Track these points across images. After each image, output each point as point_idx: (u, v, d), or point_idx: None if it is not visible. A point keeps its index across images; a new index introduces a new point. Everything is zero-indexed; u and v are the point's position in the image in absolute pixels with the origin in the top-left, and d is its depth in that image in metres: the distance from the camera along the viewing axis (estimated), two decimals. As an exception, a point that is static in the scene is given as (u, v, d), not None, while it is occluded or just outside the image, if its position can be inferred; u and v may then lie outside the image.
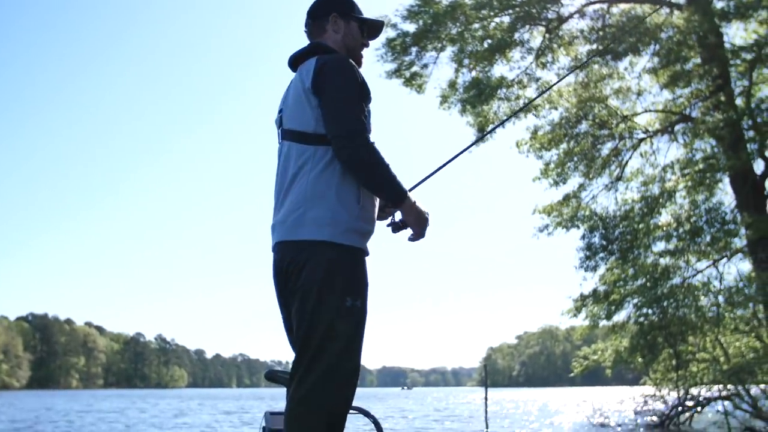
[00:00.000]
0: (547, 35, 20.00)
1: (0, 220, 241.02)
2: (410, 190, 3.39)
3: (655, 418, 19.32)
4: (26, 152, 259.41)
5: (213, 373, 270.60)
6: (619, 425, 19.50)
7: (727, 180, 19.81)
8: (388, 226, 3.37)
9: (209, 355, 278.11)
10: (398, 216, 3.35)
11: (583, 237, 20.65)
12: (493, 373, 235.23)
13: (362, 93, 3.06)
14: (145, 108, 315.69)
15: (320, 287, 2.88)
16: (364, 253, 3.04)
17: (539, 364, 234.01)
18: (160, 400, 52.84)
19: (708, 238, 18.89)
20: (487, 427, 17.87)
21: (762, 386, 18.05)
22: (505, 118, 20.02)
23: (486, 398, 18.59)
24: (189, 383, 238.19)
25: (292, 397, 2.87)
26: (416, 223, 3.08)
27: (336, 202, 2.94)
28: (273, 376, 4.40)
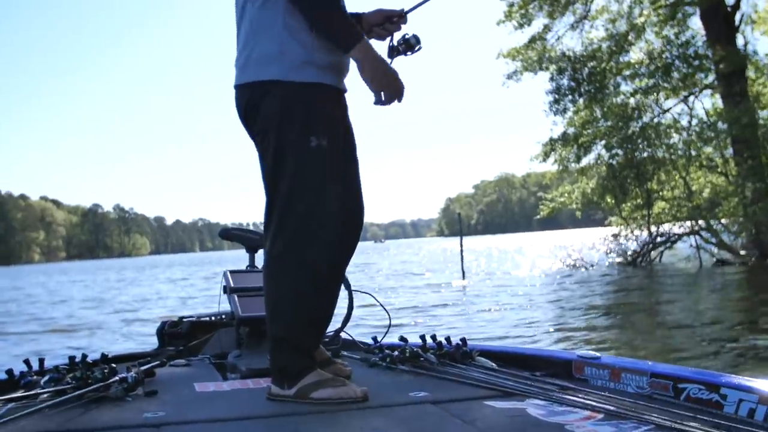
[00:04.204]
0: None
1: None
2: (409, 11, 2.81)
3: (626, 257, 19.64)
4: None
5: (174, 238, 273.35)
6: (592, 265, 19.78)
7: (697, 15, 19.37)
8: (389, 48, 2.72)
9: (169, 221, 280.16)
10: (398, 37, 2.73)
11: (552, 79, 20.25)
12: (452, 223, 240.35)
13: None
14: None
15: (277, 130, 2.45)
16: (330, 88, 2.51)
17: (497, 211, 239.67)
18: (109, 272, 52.78)
19: (680, 74, 18.60)
20: (463, 277, 17.93)
21: (724, 221, 18.39)
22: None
23: (462, 248, 18.60)
24: (152, 250, 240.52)
25: (268, 254, 2.50)
26: (374, 78, 2.42)
27: (283, 31, 2.44)
28: (227, 234, 4.18)
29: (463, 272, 18.26)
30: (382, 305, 3.89)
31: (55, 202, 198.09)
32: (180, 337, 3.80)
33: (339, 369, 2.73)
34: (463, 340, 2.99)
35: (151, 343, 4.04)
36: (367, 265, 29.63)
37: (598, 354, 2.68)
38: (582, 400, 2.23)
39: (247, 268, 4.04)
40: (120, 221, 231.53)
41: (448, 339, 3.04)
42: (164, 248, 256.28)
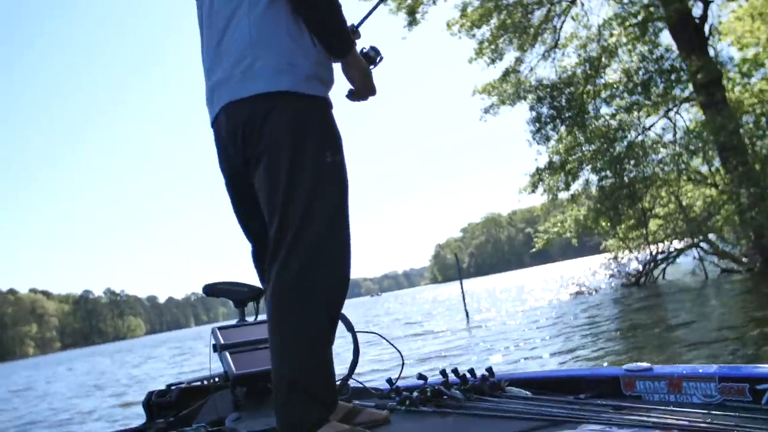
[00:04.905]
0: None
1: None
2: (359, 25, 2.74)
3: (629, 278, 19.32)
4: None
5: (169, 316, 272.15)
6: (597, 290, 19.45)
7: (666, 31, 19.48)
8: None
9: (162, 299, 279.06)
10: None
11: (532, 108, 20.20)
12: (444, 269, 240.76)
13: None
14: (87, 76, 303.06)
15: (293, 142, 2.26)
16: (330, 105, 2.42)
17: (487, 252, 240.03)
18: (94, 357, 51.87)
19: (660, 88, 18.59)
20: (467, 318, 17.50)
21: (721, 231, 18.24)
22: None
23: (462, 291, 18.33)
24: (147, 330, 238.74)
25: (277, 282, 2.19)
26: (359, 78, 2.46)
27: (291, 44, 2.30)
28: (213, 290, 3.84)
29: (467, 313, 17.88)
30: (391, 344, 3.54)
31: (45, 293, 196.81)
32: (170, 406, 3.41)
33: (372, 415, 2.42)
34: (490, 369, 2.67)
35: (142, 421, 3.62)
36: (368, 319, 29.01)
37: (648, 364, 2.32)
38: (647, 418, 1.87)
39: (237, 324, 3.70)
40: (112, 305, 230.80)
41: (471, 371, 2.69)
42: (159, 327, 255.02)
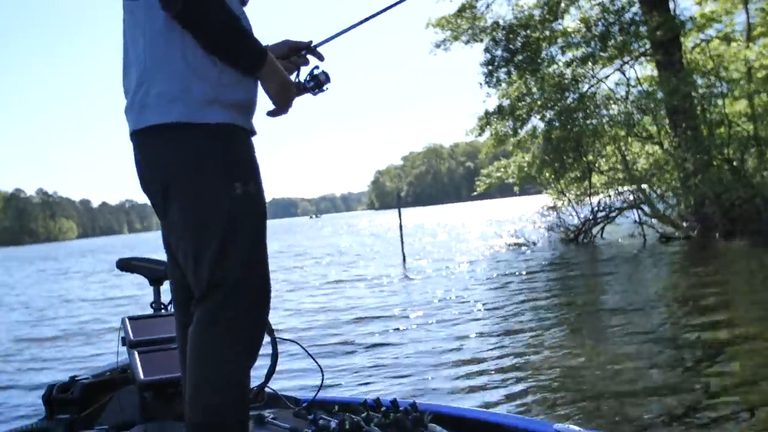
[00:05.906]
0: None
1: None
2: (318, 45, 2.58)
3: (567, 234, 19.12)
4: None
5: (102, 221, 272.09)
6: (535, 243, 19.27)
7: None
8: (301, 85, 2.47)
9: (95, 204, 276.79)
10: (306, 71, 2.49)
11: (487, 50, 19.64)
12: (382, 196, 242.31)
13: None
14: None
15: (192, 181, 2.10)
16: (241, 129, 2.18)
17: (426, 183, 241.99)
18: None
19: (618, 41, 18.19)
20: (404, 262, 17.20)
21: (661, 191, 18.14)
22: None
23: (401, 235, 18.08)
24: (79, 234, 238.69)
25: (196, 323, 2.11)
26: (280, 91, 2.22)
27: (184, 66, 2.09)
28: (127, 265, 3.80)
29: (404, 257, 17.68)
30: (312, 357, 3.30)
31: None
32: (72, 403, 3.20)
33: None
34: (413, 404, 2.62)
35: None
36: (304, 250, 28.48)
37: (579, 429, 2.25)
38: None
39: (152, 305, 3.70)
40: (44, 206, 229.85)
41: (394, 403, 2.64)
42: (92, 231, 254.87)
